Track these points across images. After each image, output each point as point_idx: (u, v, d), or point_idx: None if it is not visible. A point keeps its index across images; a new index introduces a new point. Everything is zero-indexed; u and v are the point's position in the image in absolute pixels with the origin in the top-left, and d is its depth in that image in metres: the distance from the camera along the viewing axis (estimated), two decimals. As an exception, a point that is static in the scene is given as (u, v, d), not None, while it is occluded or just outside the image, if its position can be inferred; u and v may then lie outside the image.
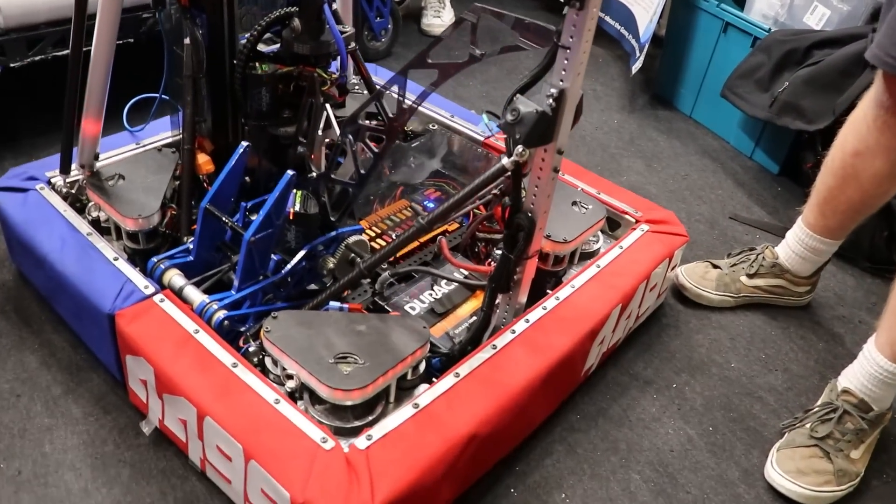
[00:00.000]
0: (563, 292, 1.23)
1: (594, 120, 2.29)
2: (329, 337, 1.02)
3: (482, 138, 1.65)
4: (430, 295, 1.28)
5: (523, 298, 1.18)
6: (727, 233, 1.81)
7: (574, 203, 1.45)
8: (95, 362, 1.21)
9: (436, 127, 1.73)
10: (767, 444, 1.26)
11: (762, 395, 1.36)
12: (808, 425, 1.23)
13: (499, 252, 1.15)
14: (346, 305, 1.12)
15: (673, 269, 1.48)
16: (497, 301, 1.17)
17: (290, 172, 1.12)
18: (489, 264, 1.26)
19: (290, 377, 1.00)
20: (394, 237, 1.29)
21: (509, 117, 0.96)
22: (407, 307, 1.24)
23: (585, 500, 1.12)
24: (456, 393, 1.01)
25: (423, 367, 1.10)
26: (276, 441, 0.90)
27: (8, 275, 1.38)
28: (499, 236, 1.40)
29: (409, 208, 1.54)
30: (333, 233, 1.23)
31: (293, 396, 1.01)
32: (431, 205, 1.57)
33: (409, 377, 1.07)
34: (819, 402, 1.26)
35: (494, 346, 1.10)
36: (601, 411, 1.27)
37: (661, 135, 2.23)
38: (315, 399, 1.01)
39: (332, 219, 1.24)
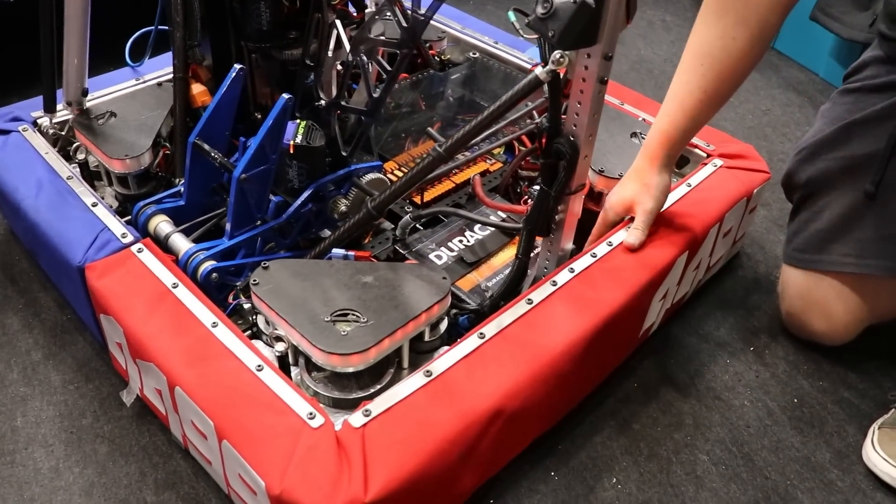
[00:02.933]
0: (617, 237, 1.02)
1: (663, 52, 2.04)
2: (328, 290, 0.85)
3: (529, 65, 1.44)
4: (461, 242, 1.09)
5: (568, 244, 0.98)
6: (816, 172, 1.56)
7: (633, 134, 1.23)
8: (81, 324, 1.08)
9: (477, 55, 1.52)
10: (866, 421, 1.04)
11: (860, 360, 1.13)
12: (921, 398, 1.01)
13: (537, 188, 0.96)
14: (351, 253, 0.94)
15: (752, 211, 1.25)
16: (536, 247, 0.98)
17: (285, 96, 0.95)
18: (525, 202, 1.06)
19: (279, 339, 0.84)
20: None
21: (540, 10, 0.76)
22: (432, 256, 1.06)
23: (641, 485, 0.93)
24: (479, 357, 0.83)
25: (444, 325, 0.92)
26: (253, 417, 0.74)
27: (-1, 227, 1.26)
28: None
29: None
30: (345, 170, 1.06)
31: (285, 362, 0.85)
32: (468, 142, 1.38)
33: (426, 338, 0.89)
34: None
35: (530, 301, 0.91)
36: (664, 379, 1.07)
37: (738, 64, 1.96)
38: (311, 366, 0.85)
39: (344, 153, 1.06)
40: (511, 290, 0.97)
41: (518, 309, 0.90)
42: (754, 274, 1.29)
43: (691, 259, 1.07)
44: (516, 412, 0.81)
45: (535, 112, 1.08)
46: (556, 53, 0.79)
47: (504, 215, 1.13)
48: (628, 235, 1.01)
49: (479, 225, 1.12)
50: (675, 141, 0.99)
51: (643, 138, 1.21)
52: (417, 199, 1.19)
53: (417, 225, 1.12)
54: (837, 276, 1.07)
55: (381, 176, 1.10)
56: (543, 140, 0.88)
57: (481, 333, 0.86)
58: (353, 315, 0.83)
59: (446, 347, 0.89)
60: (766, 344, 1.15)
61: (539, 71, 0.81)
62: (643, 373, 1.08)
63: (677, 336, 1.15)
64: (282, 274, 0.87)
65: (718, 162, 1.21)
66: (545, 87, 0.82)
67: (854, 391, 1.09)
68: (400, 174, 1.26)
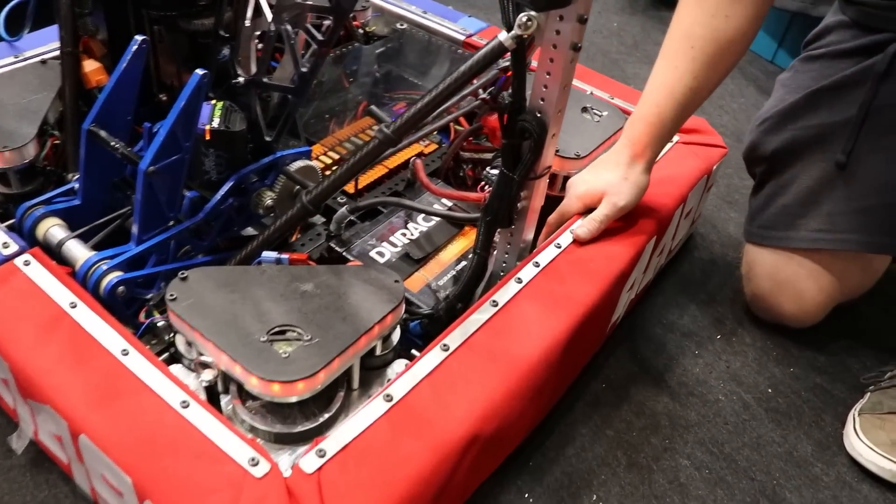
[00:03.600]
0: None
1: (591, 23, 1.94)
2: (261, 303, 0.72)
3: (463, 37, 1.32)
4: (404, 235, 0.97)
5: (530, 234, 0.88)
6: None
7: (584, 109, 1.13)
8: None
9: (404, 26, 1.39)
10: (841, 407, 0.98)
11: (825, 342, 1.08)
12: (903, 383, 0.96)
13: (494, 172, 0.84)
14: (284, 256, 0.81)
15: (709, 188, 1.18)
16: (495, 240, 0.87)
17: (199, 72, 0.80)
18: (482, 190, 0.95)
19: (205, 365, 0.70)
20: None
21: (508, -36, 0.64)
22: (373, 253, 0.94)
23: (623, 500, 0.84)
24: (446, 375, 0.72)
25: (397, 335, 0.80)
26: (181, 468, 0.60)
27: None
28: (490, 155, 1.09)
29: (375, 127, 1.22)
30: (270, 157, 0.91)
31: (214, 392, 0.71)
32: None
33: (377, 352, 0.77)
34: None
35: (495, 303, 0.80)
36: (632, 377, 0.99)
37: (669, 36, 1.91)
38: (245, 394, 0.71)
39: (268, 139, 0.92)
40: (469, 290, 0.85)
41: (483, 313, 0.78)
42: (710, 255, 1.22)
43: (658, 244, 0.99)
44: (493, 434, 0.70)
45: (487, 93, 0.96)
46: (523, 16, 0.67)
47: (450, 203, 1.02)
48: (581, 225, 0.90)
49: (422, 216, 1.00)
50: (663, 133, 0.89)
51: (596, 113, 1.12)
52: (350, 188, 1.06)
53: (353, 218, 0.99)
54: (808, 253, 1.01)
55: (311, 163, 0.96)
56: (506, 119, 0.77)
57: (444, 345, 0.74)
58: (294, 332, 0.70)
59: (402, 362, 0.77)
60: (732, 330, 1.08)
61: (503, 37, 0.69)
62: (610, 371, 0.99)
63: (641, 327, 1.07)
64: (204, 285, 0.73)
65: (674, 137, 1.12)
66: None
67: (825, 376, 1.03)
68: (328, 159, 1.13)
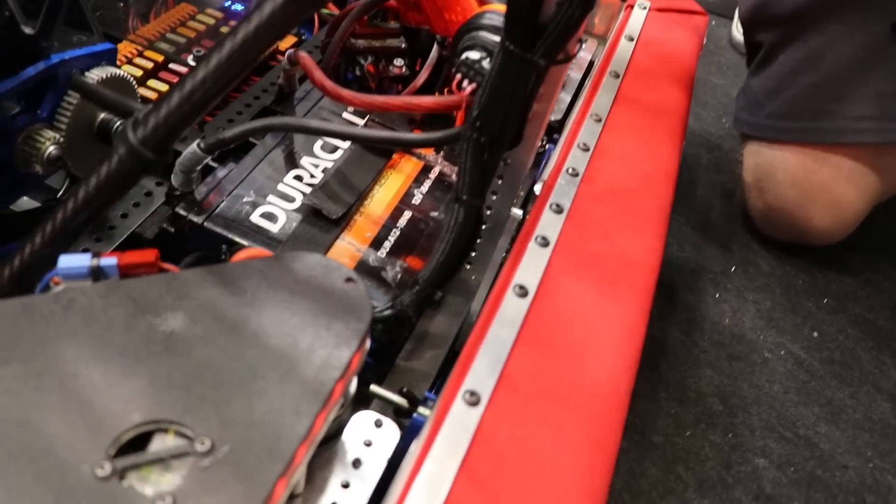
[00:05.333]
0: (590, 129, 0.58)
1: None
2: (77, 381, 0.32)
3: None
4: (300, 180, 0.59)
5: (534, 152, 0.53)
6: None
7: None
8: None
9: None
10: (893, 341, 0.76)
11: (839, 258, 0.85)
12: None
13: (474, 57, 0.48)
14: (109, 259, 0.40)
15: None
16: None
17: None
18: (459, 89, 0.57)
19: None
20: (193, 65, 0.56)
21: None
22: (256, 217, 0.55)
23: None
24: (489, 455, 0.37)
25: (353, 384, 0.43)
26: None
27: None
28: (396, 41, 0.72)
29: (204, 13, 0.80)
30: (43, 64, 0.48)
31: None
32: (241, 7, 0.83)
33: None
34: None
35: (522, 290, 0.45)
36: (655, 346, 0.69)
37: None
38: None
39: (30, 31, 0.49)
40: (454, 265, 0.50)
41: (505, 321, 0.43)
42: (693, 160, 0.94)
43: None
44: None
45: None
46: None
47: (362, 119, 0.64)
48: None
49: (317, 143, 0.62)
50: None
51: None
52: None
53: (211, 161, 0.59)
54: (848, 149, 0.75)
55: (119, 72, 0.54)
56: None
57: (470, 393, 0.38)
58: (171, 436, 0.31)
59: (370, 417, 0.41)
60: (744, 258, 0.81)
61: None
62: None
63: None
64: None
65: (645, 3, 0.81)
66: None
67: (862, 303, 0.80)
68: (148, 63, 0.70)
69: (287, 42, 0.78)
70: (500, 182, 0.52)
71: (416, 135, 0.50)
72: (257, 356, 0.35)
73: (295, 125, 0.52)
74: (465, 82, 0.48)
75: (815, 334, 0.75)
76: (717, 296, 0.76)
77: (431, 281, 0.48)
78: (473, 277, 0.59)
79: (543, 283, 0.45)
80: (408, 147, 0.51)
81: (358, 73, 0.73)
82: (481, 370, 0.39)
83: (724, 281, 0.78)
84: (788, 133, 0.76)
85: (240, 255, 0.42)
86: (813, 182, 0.76)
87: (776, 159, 0.78)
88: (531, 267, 0.45)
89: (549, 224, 0.49)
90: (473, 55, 0.49)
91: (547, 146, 0.66)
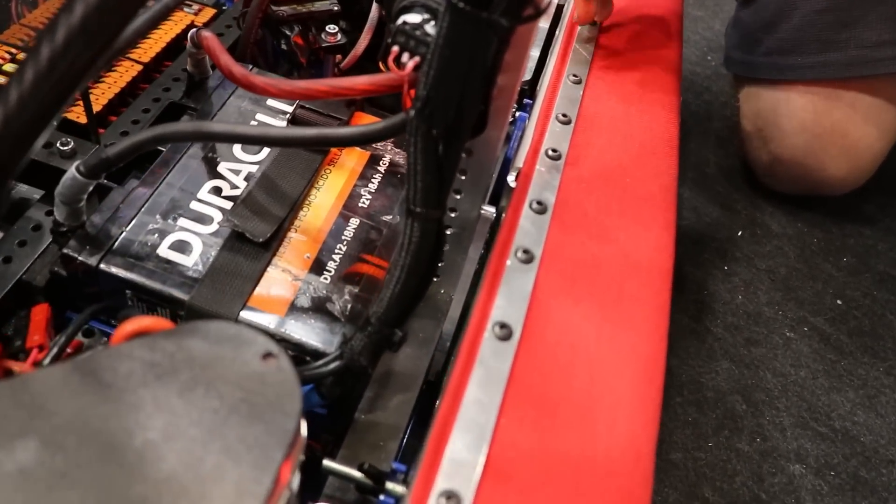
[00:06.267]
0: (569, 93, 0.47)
1: None
2: None
3: None
4: (218, 193, 0.47)
5: (500, 147, 0.42)
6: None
7: None
8: None
9: None
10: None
11: (854, 205, 0.75)
12: None
13: (413, 20, 0.36)
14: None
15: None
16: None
17: None
18: (399, 67, 0.45)
19: None
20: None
21: None
22: (165, 250, 0.44)
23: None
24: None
25: (296, 481, 0.32)
26: None
27: None
28: (327, 3, 0.61)
29: None
30: None
31: None
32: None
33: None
34: None
35: (504, 328, 0.34)
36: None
37: None
38: None
39: None
40: (413, 295, 0.39)
41: (488, 356, 0.33)
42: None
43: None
44: None
45: None
46: None
47: (292, 106, 0.53)
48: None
49: (238, 146, 0.50)
50: None
51: None
52: (73, 116, 0.52)
53: (106, 181, 0.47)
54: (866, 83, 0.64)
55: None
56: None
57: (448, 495, 0.28)
58: None
59: None
60: (751, 219, 0.71)
61: None
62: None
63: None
64: None
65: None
66: None
67: (884, 258, 0.71)
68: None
69: (206, 15, 0.65)
70: (463, 178, 0.41)
71: (350, 129, 0.39)
72: (143, 494, 0.25)
73: (190, 132, 0.40)
74: (406, 56, 0.37)
75: (839, 302, 0.65)
76: (726, 268, 0.66)
77: (386, 319, 0.37)
78: (443, 291, 0.49)
79: (531, 314, 0.34)
80: (340, 145, 0.40)
81: (285, 46, 0.62)
82: (460, 455, 0.29)
83: (732, 249, 0.68)
84: (792, 71, 0.66)
85: (122, 331, 0.31)
86: (825, 125, 0.66)
87: (780, 103, 0.67)
88: (514, 293, 0.35)
89: (530, 230, 0.38)
90: (412, 18, 0.37)
91: (518, 115, 0.55)
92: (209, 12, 0.67)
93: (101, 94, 0.55)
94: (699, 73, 0.85)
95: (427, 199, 0.35)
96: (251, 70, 0.47)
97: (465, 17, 0.30)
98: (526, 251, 0.36)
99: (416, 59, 0.36)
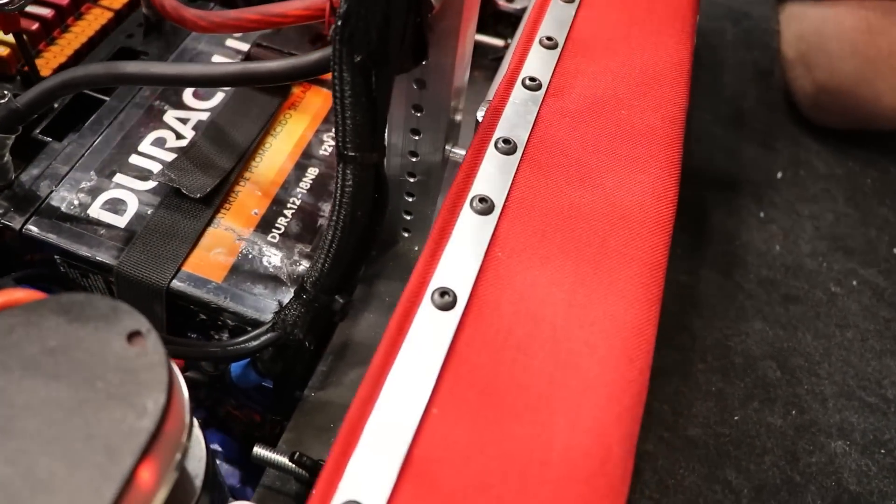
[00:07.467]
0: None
1: None
2: None
3: None
4: (162, 145, 0.42)
5: (462, 76, 0.35)
6: None
7: None
8: None
9: None
10: None
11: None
12: None
13: None
14: None
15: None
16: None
17: None
18: None
19: None
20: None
21: None
22: (98, 209, 0.39)
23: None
24: None
25: (200, 469, 0.27)
26: None
27: None
28: None
29: None
30: None
31: None
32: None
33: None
34: None
35: (445, 294, 0.28)
36: (686, 295, 0.52)
37: None
38: None
39: None
40: (354, 256, 0.33)
41: (422, 330, 0.26)
42: (715, 36, 0.74)
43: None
44: None
45: None
46: None
47: (242, 49, 0.47)
48: None
49: (188, 90, 0.45)
50: None
51: None
52: (12, 68, 0.47)
53: (40, 134, 0.43)
54: None
55: None
56: None
57: (353, 507, 0.22)
58: None
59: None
60: (795, 159, 0.63)
61: None
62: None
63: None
64: None
65: None
66: None
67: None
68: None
69: None
70: (418, 115, 0.35)
71: (277, 62, 0.32)
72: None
73: (102, 74, 0.34)
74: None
75: (895, 250, 0.57)
76: (762, 215, 0.58)
77: (322, 286, 0.31)
78: (417, 248, 0.43)
79: (483, 277, 0.28)
80: (267, 82, 0.34)
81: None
82: (372, 456, 0.23)
83: (770, 193, 0.59)
84: None
85: (-7, 303, 0.26)
86: (880, 47, 0.56)
87: (827, 22, 0.58)
88: (463, 252, 0.28)
89: (493, 174, 0.31)
90: None
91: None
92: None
93: (68, 44, 0.50)
94: (739, -4, 0.76)
95: (359, 141, 0.29)
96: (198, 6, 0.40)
97: None
98: (483, 199, 0.30)
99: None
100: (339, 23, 0.27)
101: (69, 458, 0.21)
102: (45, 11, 0.48)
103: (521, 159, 0.32)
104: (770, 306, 0.51)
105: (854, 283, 0.54)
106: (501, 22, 0.55)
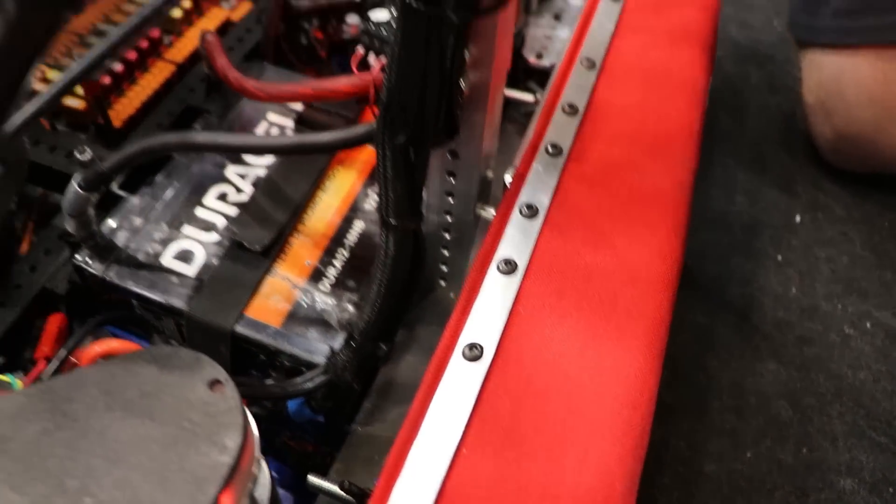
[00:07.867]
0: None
1: None
2: None
3: None
4: (224, 200, 0.47)
5: (491, 146, 0.40)
6: None
7: None
8: None
9: None
10: None
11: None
12: None
13: (380, 18, 0.35)
14: None
15: None
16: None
17: None
18: (364, 67, 0.43)
19: None
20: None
21: None
22: (168, 258, 0.44)
23: None
24: None
25: (265, 493, 0.32)
26: None
27: None
28: None
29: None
30: None
31: None
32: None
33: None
34: None
35: (475, 349, 0.32)
36: (703, 336, 0.56)
37: None
38: None
39: None
40: (396, 308, 0.37)
41: (453, 380, 0.31)
42: (740, 80, 0.78)
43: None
44: None
45: None
46: None
47: (294, 108, 0.52)
48: None
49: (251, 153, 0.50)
50: None
51: None
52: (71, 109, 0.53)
53: (116, 189, 0.48)
54: None
55: None
56: None
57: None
58: None
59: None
60: (813, 203, 0.65)
61: None
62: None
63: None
64: None
65: None
66: None
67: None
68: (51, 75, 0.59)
69: (242, 10, 0.64)
70: (452, 181, 0.39)
71: (327, 135, 0.37)
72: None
73: (175, 143, 0.40)
74: (371, 56, 0.35)
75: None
76: (780, 258, 0.61)
77: (368, 334, 0.36)
78: (452, 295, 0.47)
79: (508, 332, 0.32)
80: (318, 151, 0.38)
81: (304, 41, 0.61)
82: (411, 487, 0.27)
83: (788, 237, 0.63)
84: (860, 34, 0.59)
85: (90, 353, 0.31)
86: None
87: (846, 70, 0.61)
88: (490, 309, 0.33)
89: (516, 237, 0.35)
90: (380, 15, 0.35)
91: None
92: (246, 7, 0.66)
93: (136, 96, 0.55)
94: (762, 40, 0.79)
95: (399, 209, 0.34)
96: (248, 71, 0.46)
97: (417, 15, 0.28)
98: (507, 262, 0.34)
99: (382, 60, 0.34)
100: (381, 110, 0.31)
101: (165, 486, 0.25)
102: (116, 66, 0.53)
103: (542, 223, 0.36)
104: (785, 347, 0.55)
105: (868, 325, 0.57)
106: (532, 77, 0.59)
